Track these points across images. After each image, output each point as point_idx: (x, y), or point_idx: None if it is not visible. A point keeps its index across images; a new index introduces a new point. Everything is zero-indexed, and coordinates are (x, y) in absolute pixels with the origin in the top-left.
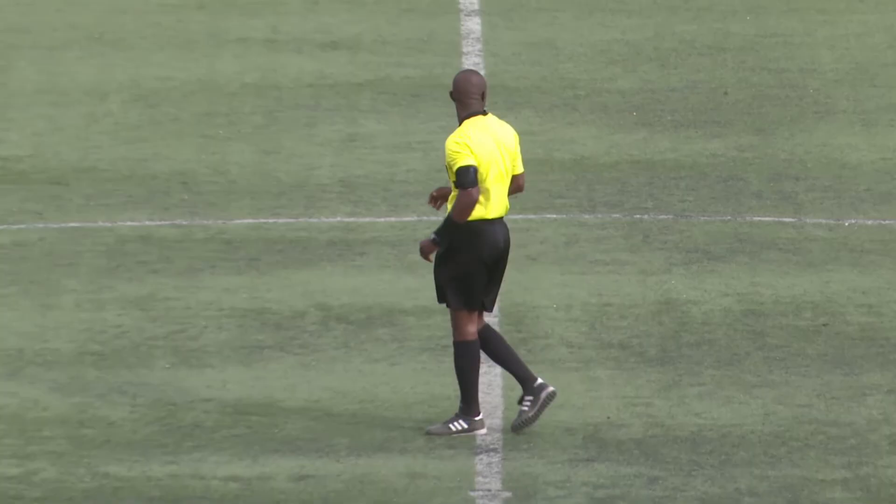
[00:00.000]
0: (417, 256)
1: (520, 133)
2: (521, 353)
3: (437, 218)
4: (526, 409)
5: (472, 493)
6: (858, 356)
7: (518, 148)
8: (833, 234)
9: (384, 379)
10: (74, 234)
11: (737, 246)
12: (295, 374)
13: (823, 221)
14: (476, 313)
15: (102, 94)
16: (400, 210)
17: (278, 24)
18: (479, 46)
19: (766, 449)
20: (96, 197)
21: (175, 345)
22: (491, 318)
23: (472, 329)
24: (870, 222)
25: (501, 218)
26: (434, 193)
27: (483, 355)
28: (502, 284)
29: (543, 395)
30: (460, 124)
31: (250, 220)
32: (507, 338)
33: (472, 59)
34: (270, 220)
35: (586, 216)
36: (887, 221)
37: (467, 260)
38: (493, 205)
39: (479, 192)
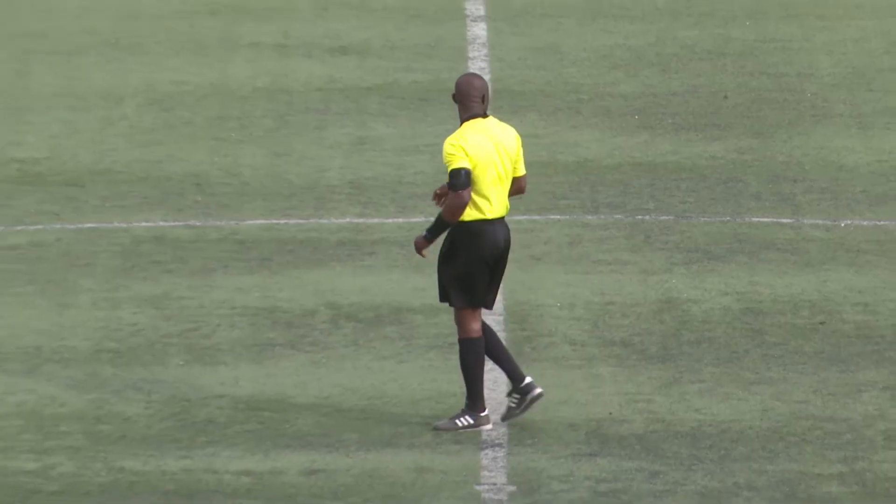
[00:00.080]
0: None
1: (524, 136)
2: (526, 351)
3: None
4: (514, 405)
5: (477, 487)
6: (854, 354)
7: (520, 150)
8: (830, 234)
9: (392, 376)
10: (90, 234)
11: (736, 246)
12: (306, 371)
13: (821, 222)
14: (479, 311)
15: (118, 98)
16: (408, 211)
17: (289, 29)
18: (484, 52)
19: (765, 444)
20: (112, 198)
21: (189, 342)
22: (496, 317)
23: (476, 326)
24: (866, 223)
25: (502, 218)
26: (438, 191)
27: None
28: (506, 283)
29: (529, 396)
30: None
31: (262, 221)
32: (512, 336)
33: (479, 64)
34: (282, 221)
35: (589, 217)
36: (883, 222)
37: (469, 260)
38: (492, 206)
39: (469, 195)
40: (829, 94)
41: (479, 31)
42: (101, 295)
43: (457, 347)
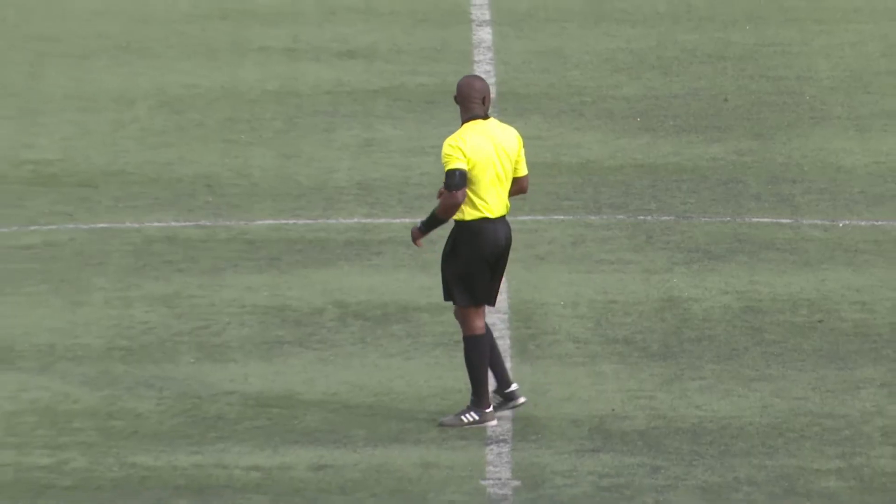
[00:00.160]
0: (431, 256)
1: (528, 138)
2: (530, 348)
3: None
4: (496, 403)
5: (483, 482)
6: (852, 351)
7: (521, 151)
8: (828, 234)
9: (399, 373)
10: (103, 234)
11: (736, 246)
12: (314, 368)
13: (819, 222)
14: (483, 309)
15: (130, 101)
16: (414, 211)
17: (298, 33)
18: (490, 55)
19: (764, 440)
20: (124, 199)
21: (199, 340)
22: (501, 315)
23: (479, 324)
24: (863, 223)
25: (503, 217)
26: (441, 190)
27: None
28: (511, 282)
29: (512, 403)
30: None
31: (271, 222)
32: (516, 334)
33: (484, 68)
34: (290, 222)
35: (592, 217)
36: (880, 222)
37: (470, 258)
38: (492, 205)
39: (463, 195)
40: (827, 96)
41: (484, 34)
42: (113, 294)
43: (462, 345)
